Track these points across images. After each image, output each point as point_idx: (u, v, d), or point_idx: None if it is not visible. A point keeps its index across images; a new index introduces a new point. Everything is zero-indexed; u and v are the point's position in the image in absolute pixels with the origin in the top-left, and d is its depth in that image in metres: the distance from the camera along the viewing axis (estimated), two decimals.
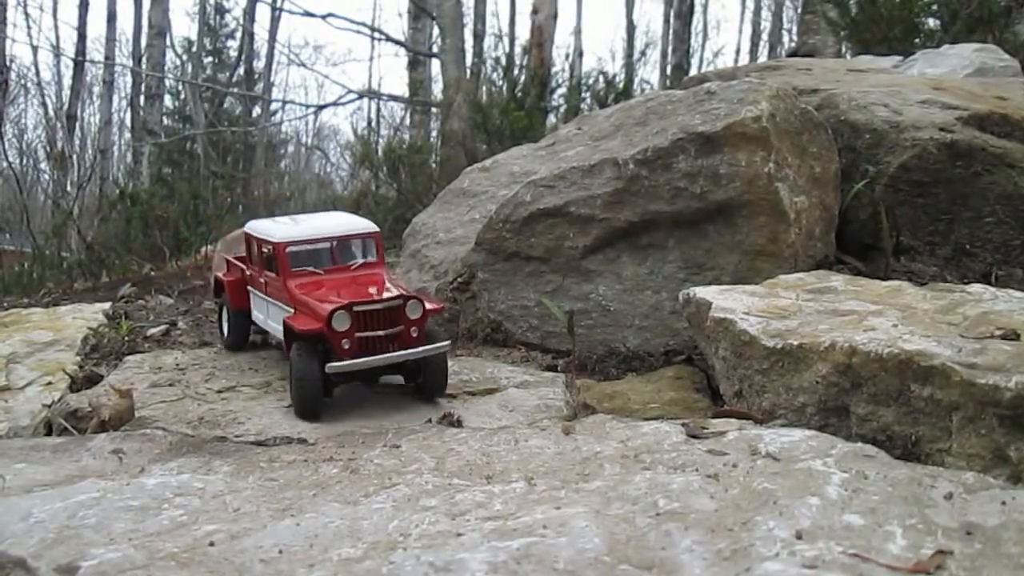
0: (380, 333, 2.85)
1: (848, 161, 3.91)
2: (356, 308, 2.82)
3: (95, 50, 26.53)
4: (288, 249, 3.11)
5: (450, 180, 5.40)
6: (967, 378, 2.02)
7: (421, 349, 2.89)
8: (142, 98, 20.73)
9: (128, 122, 27.18)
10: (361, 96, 19.96)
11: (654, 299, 3.56)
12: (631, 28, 27.49)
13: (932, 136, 3.74)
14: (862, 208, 3.84)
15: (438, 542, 1.69)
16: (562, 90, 11.42)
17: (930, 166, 3.73)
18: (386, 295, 2.93)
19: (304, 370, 2.81)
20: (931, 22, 8.65)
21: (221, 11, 29.20)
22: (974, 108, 3.96)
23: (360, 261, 3.22)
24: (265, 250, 3.25)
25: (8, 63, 21.65)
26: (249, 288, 3.53)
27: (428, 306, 2.95)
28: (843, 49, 9.66)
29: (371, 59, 50.51)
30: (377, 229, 3.30)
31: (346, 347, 2.81)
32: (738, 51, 31.03)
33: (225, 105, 26.05)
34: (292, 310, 3.01)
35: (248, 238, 3.44)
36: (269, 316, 3.30)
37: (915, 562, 1.49)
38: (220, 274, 3.77)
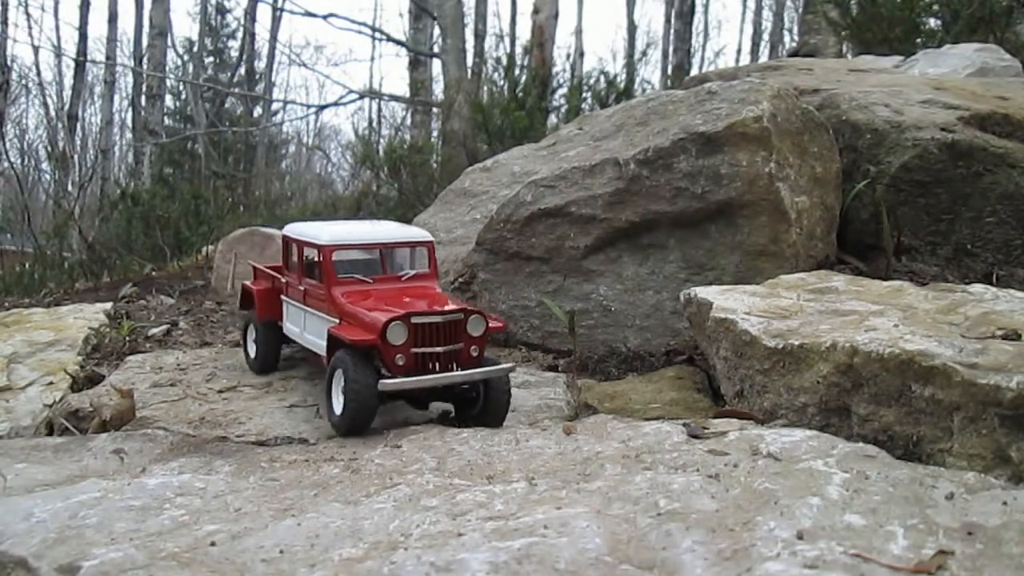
0: (438, 349, 2.57)
1: (849, 161, 3.91)
2: (414, 320, 2.55)
3: (96, 50, 26.57)
4: (335, 253, 2.84)
5: (451, 180, 5.41)
6: (968, 378, 2.02)
7: (484, 370, 2.61)
8: (143, 98, 20.71)
9: (129, 122, 27.22)
10: (362, 96, 19.93)
11: (655, 299, 3.56)
12: (632, 28, 27.47)
13: (933, 136, 3.74)
14: (863, 208, 3.84)
15: (439, 542, 1.69)
16: (563, 90, 11.41)
17: (931, 166, 3.73)
18: (445, 308, 2.65)
19: (360, 384, 2.51)
20: (932, 22, 8.65)
21: (222, 11, 29.20)
22: (975, 108, 3.96)
23: (411, 272, 2.95)
24: (307, 254, 2.98)
25: (9, 63, 21.69)
26: (283, 298, 3.21)
27: (491, 324, 2.68)
28: (844, 49, 9.66)
29: (372, 59, 50.80)
30: (431, 238, 3.01)
31: (400, 363, 2.53)
32: (739, 51, 30.98)
33: (226, 105, 26.05)
34: (336, 320, 2.75)
35: (287, 241, 3.16)
36: (306, 328, 3.01)
37: (916, 562, 1.49)
38: (248, 283, 3.44)
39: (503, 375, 2.67)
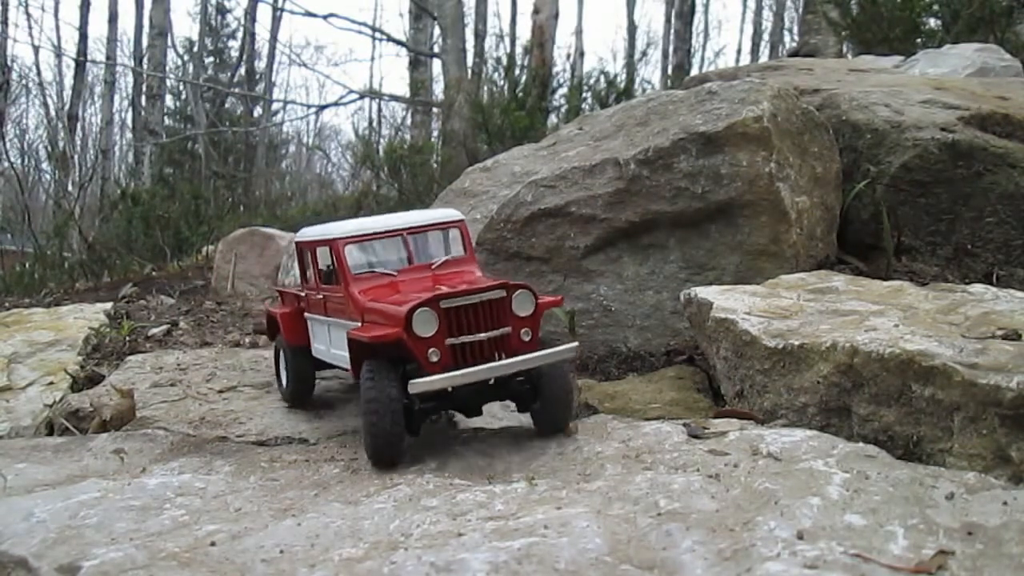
0: (481, 337, 2.17)
1: (849, 161, 3.91)
2: (444, 303, 2.15)
3: (96, 50, 26.59)
4: (348, 246, 2.47)
5: (451, 180, 5.40)
6: (968, 378, 2.02)
7: (531, 356, 2.18)
8: (143, 98, 20.75)
9: (129, 122, 27.24)
10: (362, 96, 19.97)
11: (655, 299, 3.55)
12: (632, 28, 27.49)
13: (933, 136, 3.74)
14: (863, 208, 3.84)
15: (439, 542, 1.69)
16: (563, 90, 11.44)
17: (931, 166, 3.73)
18: (481, 286, 2.25)
19: (377, 396, 2.12)
20: (932, 22, 8.66)
21: (222, 11, 29.21)
22: (975, 108, 3.95)
23: (443, 258, 2.55)
24: (321, 257, 2.65)
25: (9, 63, 21.70)
26: (307, 316, 2.85)
27: (543, 300, 2.28)
28: (844, 49, 9.67)
29: (372, 59, 51.04)
30: (462, 217, 2.61)
31: (435, 359, 2.14)
32: (739, 51, 31.01)
33: (226, 105, 26.06)
34: (359, 323, 2.36)
35: (300, 248, 2.83)
36: (332, 342, 2.63)
37: (916, 562, 1.49)
38: (272, 308, 3.15)
39: (559, 360, 2.23)
